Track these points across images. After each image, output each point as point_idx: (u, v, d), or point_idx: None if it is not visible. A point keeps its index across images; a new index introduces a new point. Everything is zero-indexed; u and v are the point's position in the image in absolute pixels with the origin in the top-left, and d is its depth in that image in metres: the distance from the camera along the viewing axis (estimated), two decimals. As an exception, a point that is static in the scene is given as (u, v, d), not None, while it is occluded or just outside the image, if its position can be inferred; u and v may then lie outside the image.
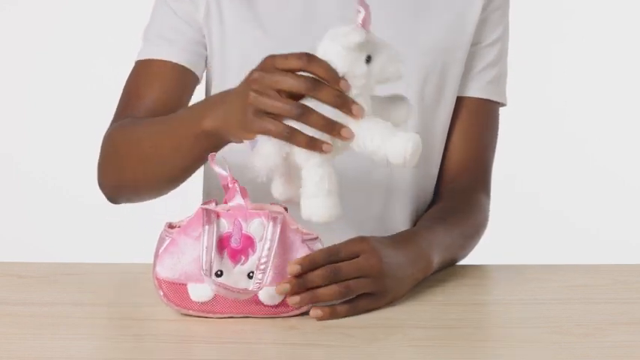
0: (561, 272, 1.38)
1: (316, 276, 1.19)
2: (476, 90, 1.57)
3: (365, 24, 1.15)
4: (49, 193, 3.36)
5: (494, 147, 1.61)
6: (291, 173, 1.19)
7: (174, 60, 1.51)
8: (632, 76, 3.41)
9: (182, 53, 1.51)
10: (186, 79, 1.52)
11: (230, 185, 1.22)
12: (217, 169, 1.22)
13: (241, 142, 1.21)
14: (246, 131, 1.18)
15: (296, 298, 1.19)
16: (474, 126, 1.58)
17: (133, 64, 1.56)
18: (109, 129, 1.50)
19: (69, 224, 3.30)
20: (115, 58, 3.11)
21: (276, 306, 1.20)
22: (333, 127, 1.14)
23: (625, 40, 3.42)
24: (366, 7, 1.15)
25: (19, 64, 3.42)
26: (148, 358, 1.12)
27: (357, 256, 1.22)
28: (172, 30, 1.52)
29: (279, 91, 1.16)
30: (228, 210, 1.21)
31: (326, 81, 1.14)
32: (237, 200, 1.21)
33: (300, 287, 1.19)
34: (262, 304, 1.20)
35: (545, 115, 3.37)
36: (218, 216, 1.20)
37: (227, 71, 1.52)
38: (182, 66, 1.51)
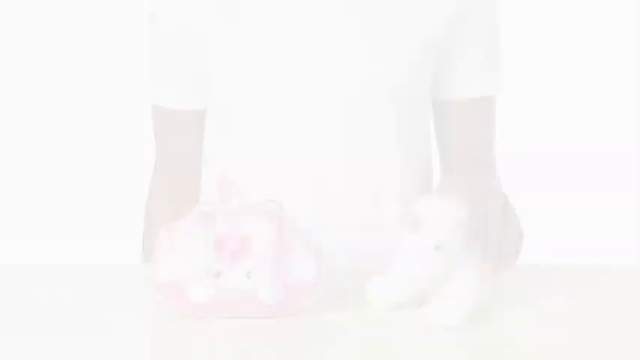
0: (561, 272, 1.38)
1: None
2: (471, 90, 1.55)
3: None
4: (49, 194, 3.36)
5: (494, 138, 1.60)
6: None
7: (194, 107, 1.51)
8: (631, 75, 3.41)
9: (197, 97, 1.51)
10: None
11: (225, 187, 1.22)
12: (211, 172, 1.23)
13: None
14: None
15: None
16: (476, 129, 1.59)
17: (137, 61, 1.56)
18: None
19: (69, 224, 3.30)
20: (114, 58, 3.11)
21: (276, 305, 1.20)
22: None
23: (618, 39, 3.43)
24: None
25: (17, 64, 3.41)
26: (147, 358, 1.12)
27: None
28: (179, 71, 1.50)
29: None
30: (225, 210, 1.21)
31: None
32: (234, 201, 1.21)
33: None
34: (262, 303, 1.20)
35: (545, 115, 3.37)
36: (215, 217, 1.20)
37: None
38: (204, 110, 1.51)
